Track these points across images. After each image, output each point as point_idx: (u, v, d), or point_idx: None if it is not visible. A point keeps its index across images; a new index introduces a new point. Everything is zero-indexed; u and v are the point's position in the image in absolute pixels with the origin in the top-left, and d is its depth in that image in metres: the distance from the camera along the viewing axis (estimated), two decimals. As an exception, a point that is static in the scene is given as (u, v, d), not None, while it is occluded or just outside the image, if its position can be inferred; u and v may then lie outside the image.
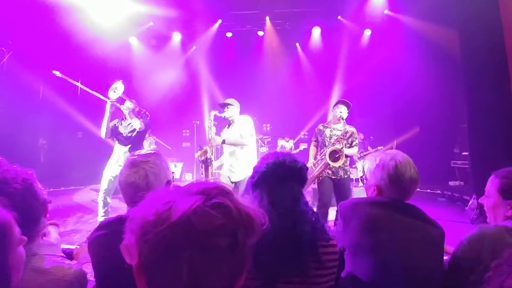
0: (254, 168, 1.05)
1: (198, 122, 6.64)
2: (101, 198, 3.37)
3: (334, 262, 0.99)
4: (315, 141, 3.44)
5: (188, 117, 8.34)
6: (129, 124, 3.43)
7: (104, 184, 3.37)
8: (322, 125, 3.44)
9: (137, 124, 3.34)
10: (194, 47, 9.10)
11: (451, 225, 3.94)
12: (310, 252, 0.95)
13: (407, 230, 1.08)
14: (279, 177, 1.01)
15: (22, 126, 6.74)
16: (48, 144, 8.33)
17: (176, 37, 8.87)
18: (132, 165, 1.12)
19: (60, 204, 5.29)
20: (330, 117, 3.58)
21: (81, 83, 3.36)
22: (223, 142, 3.21)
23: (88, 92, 3.38)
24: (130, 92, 7.33)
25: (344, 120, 3.28)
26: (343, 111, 3.29)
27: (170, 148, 8.00)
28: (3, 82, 6.33)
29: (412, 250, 1.05)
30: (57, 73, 3.24)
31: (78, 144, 8.08)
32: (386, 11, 7.67)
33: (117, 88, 3.31)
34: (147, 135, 7.67)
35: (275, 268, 0.92)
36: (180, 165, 7.75)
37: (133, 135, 3.43)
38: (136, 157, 1.16)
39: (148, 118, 3.59)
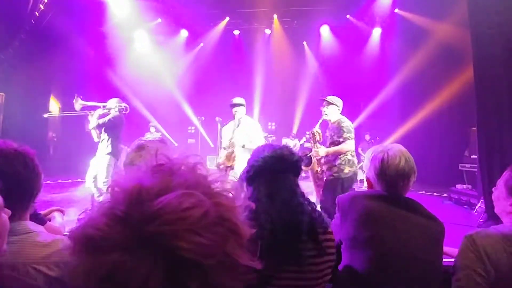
0: (249, 161, 1.05)
1: (203, 118, 6.69)
2: (90, 181, 3.72)
3: (332, 249, 1.03)
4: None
5: (193, 114, 8.41)
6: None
7: (89, 174, 3.78)
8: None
9: (91, 124, 3.73)
10: (202, 44, 9.14)
11: (457, 228, 3.88)
12: (310, 241, 0.97)
13: (404, 223, 1.07)
14: (277, 170, 1.02)
15: (33, 120, 6.87)
16: (58, 137, 8.50)
17: (184, 34, 8.93)
18: (139, 148, 1.18)
19: (67, 194, 5.43)
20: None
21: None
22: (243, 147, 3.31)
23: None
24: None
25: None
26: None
27: (176, 144, 8.06)
28: (14, 76, 6.48)
29: (409, 244, 1.04)
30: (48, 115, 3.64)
31: (86, 138, 8.21)
32: (396, 10, 7.58)
33: (76, 104, 3.75)
34: (153, 130, 7.77)
35: (274, 259, 0.92)
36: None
37: (102, 131, 3.80)
38: (143, 142, 1.21)
39: (123, 112, 3.91)
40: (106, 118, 3.73)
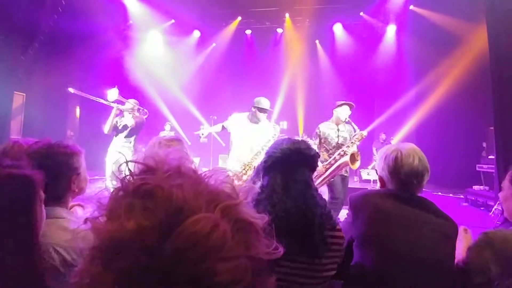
0: (267, 152, 1.09)
1: (215, 117, 6.76)
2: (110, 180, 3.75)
3: (339, 246, 1.04)
4: (318, 143, 3.40)
5: (205, 113, 8.50)
6: (124, 122, 3.99)
7: (108, 171, 3.92)
8: (324, 126, 3.43)
9: (129, 121, 3.93)
10: (214, 44, 9.21)
11: (474, 231, 3.78)
12: (318, 235, 0.99)
13: (416, 221, 1.07)
14: (294, 162, 1.05)
15: (52, 119, 7.12)
16: (75, 136, 8.78)
17: (196, 34, 9.03)
18: (157, 145, 1.23)
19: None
20: (333, 118, 3.49)
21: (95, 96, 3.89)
22: None
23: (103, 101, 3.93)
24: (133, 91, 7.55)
25: (348, 120, 3.33)
26: (347, 112, 3.32)
27: (190, 143, 8.18)
28: (34, 77, 6.73)
29: (421, 242, 1.04)
30: (71, 90, 3.65)
31: (103, 136, 8.46)
32: (411, 7, 7.42)
33: (113, 94, 3.81)
34: (168, 129, 7.92)
35: (286, 249, 0.92)
36: (197, 159, 7.91)
37: (126, 130, 3.99)
38: (161, 140, 1.27)
39: (144, 117, 4.11)
40: (144, 117, 4.04)
